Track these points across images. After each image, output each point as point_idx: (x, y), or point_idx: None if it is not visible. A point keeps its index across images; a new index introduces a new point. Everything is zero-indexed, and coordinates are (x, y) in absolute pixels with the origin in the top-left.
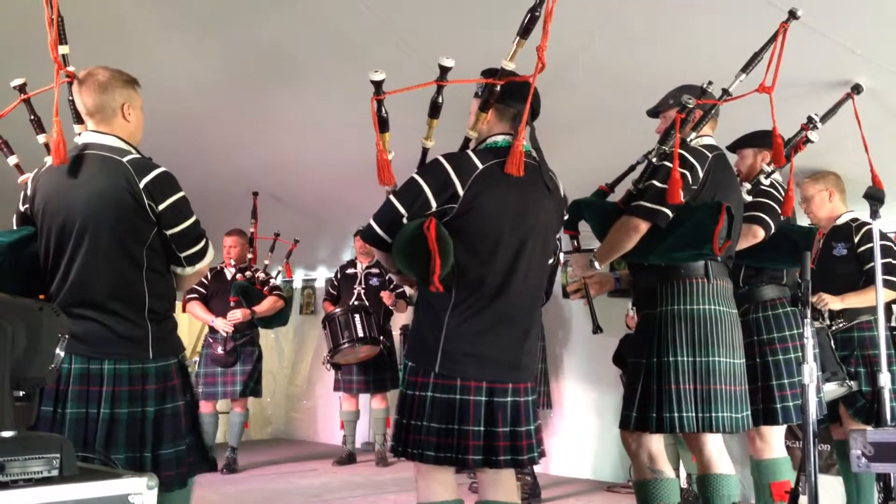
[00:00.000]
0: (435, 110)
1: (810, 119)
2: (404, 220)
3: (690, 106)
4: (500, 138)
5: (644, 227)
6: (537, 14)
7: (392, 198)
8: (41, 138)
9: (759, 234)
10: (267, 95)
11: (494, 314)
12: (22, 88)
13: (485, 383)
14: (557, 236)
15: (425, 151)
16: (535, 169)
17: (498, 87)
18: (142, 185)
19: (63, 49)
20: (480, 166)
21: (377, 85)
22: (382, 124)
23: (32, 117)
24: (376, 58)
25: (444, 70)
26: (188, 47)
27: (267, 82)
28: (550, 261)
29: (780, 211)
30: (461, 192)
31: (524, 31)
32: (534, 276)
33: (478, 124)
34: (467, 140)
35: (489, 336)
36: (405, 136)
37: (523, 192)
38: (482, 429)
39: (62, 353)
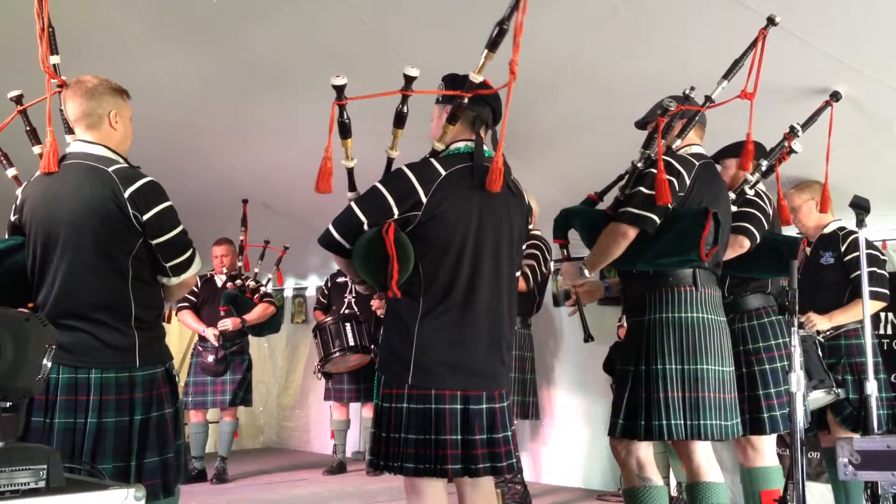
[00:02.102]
0: (399, 120)
1: (792, 128)
2: (364, 228)
3: (672, 109)
4: (461, 144)
5: (632, 233)
6: (505, 28)
7: (353, 205)
8: (37, 149)
9: (745, 244)
10: (258, 104)
11: (464, 322)
12: (18, 100)
13: (459, 392)
14: (527, 244)
15: (390, 161)
16: None
17: (466, 100)
18: (126, 194)
19: (54, 59)
20: (443, 173)
21: (339, 90)
22: (344, 130)
23: (28, 128)
24: (368, 67)
25: (409, 80)
26: (180, 56)
27: (258, 91)
28: (519, 273)
29: (765, 221)
30: (424, 200)
31: (492, 45)
32: (502, 281)
33: (445, 136)
34: (434, 151)
35: (460, 344)
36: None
37: (487, 197)
38: (459, 437)
39: (49, 364)
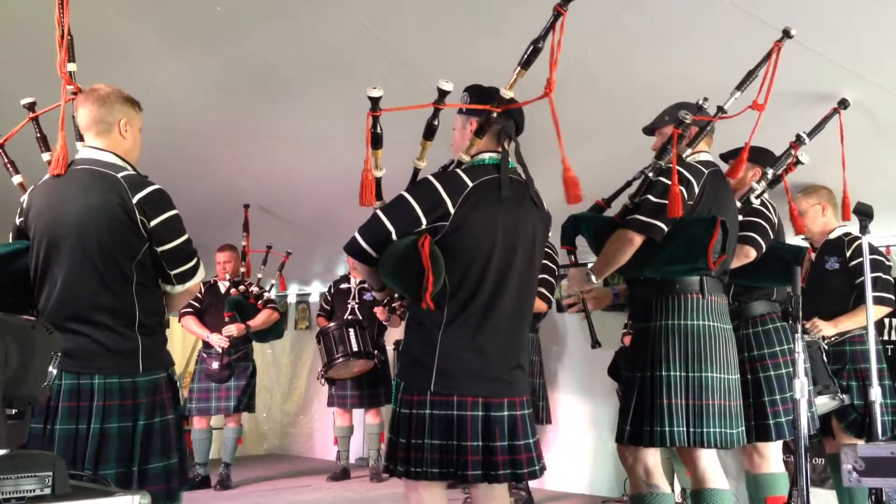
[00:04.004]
0: (430, 133)
1: (799, 137)
2: (392, 238)
3: (687, 121)
4: (486, 156)
5: (638, 240)
6: (540, 46)
7: (380, 213)
8: (45, 156)
9: (752, 254)
10: (262, 111)
11: (486, 330)
12: (31, 107)
13: (481, 399)
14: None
15: (416, 172)
16: (522, 185)
17: (494, 115)
18: (135, 200)
19: (71, 66)
20: (470, 184)
21: (374, 101)
22: (376, 141)
23: (38, 135)
24: (371, 74)
25: (443, 93)
26: (183, 63)
27: (260, 96)
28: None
29: (770, 230)
30: (452, 210)
31: (525, 63)
32: (523, 291)
33: (471, 148)
34: (458, 162)
35: (482, 352)
36: (396, 153)
37: (512, 208)
38: (480, 444)
39: (54, 371)
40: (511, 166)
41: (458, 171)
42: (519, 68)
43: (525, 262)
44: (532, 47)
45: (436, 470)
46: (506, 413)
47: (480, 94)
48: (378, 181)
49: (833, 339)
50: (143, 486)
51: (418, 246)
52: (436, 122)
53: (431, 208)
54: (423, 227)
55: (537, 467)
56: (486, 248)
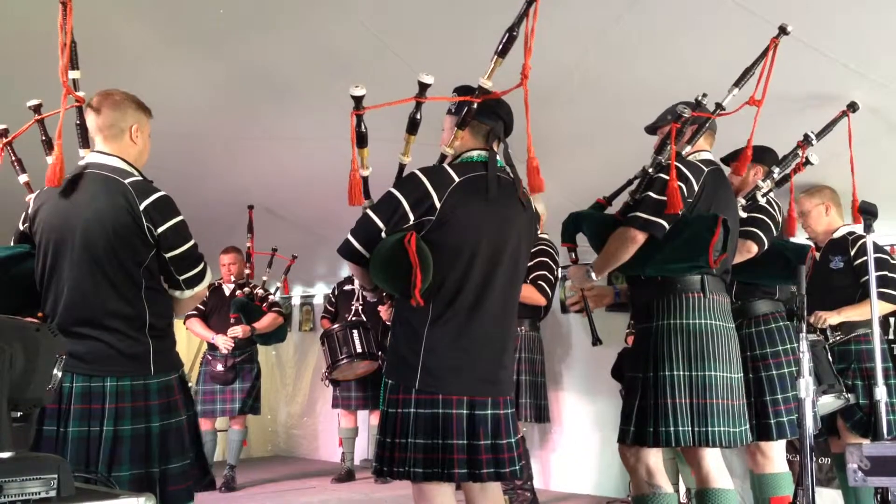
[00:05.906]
0: (413, 126)
1: (806, 137)
2: (383, 234)
3: (686, 115)
4: (475, 153)
5: (641, 237)
6: (515, 34)
7: (370, 212)
8: (50, 159)
9: (753, 249)
10: (265, 113)
11: (472, 328)
12: (37, 109)
13: (465, 397)
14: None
15: (402, 167)
16: (510, 184)
17: (475, 105)
18: (142, 207)
19: (74, 74)
20: (457, 179)
21: (357, 100)
22: (360, 140)
23: (44, 138)
24: (374, 75)
25: (423, 87)
26: (186, 66)
27: (265, 100)
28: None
29: (774, 227)
30: (438, 205)
31: (502, 51)
32: (509, 290)
33: (454, 142)
34: (443, 157)
35: (467, 350)
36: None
37: (499, 206)
38: (465, 442)
39: (59, 374)
40: (500, 165)
41: (446, 166)
42: (496, 57)
43: (511, 262)
44: (507, 35)
45: (420, 470)
46: (490, 412)
47: (468, 93)
48: (365, 180)
49: (838, 338)
50: (166, 487)
51: (405, 243)
52: (418, 116)
53: (418, 202)
54: (411, 222)
55: (517, 467)
56: (470, 244)
